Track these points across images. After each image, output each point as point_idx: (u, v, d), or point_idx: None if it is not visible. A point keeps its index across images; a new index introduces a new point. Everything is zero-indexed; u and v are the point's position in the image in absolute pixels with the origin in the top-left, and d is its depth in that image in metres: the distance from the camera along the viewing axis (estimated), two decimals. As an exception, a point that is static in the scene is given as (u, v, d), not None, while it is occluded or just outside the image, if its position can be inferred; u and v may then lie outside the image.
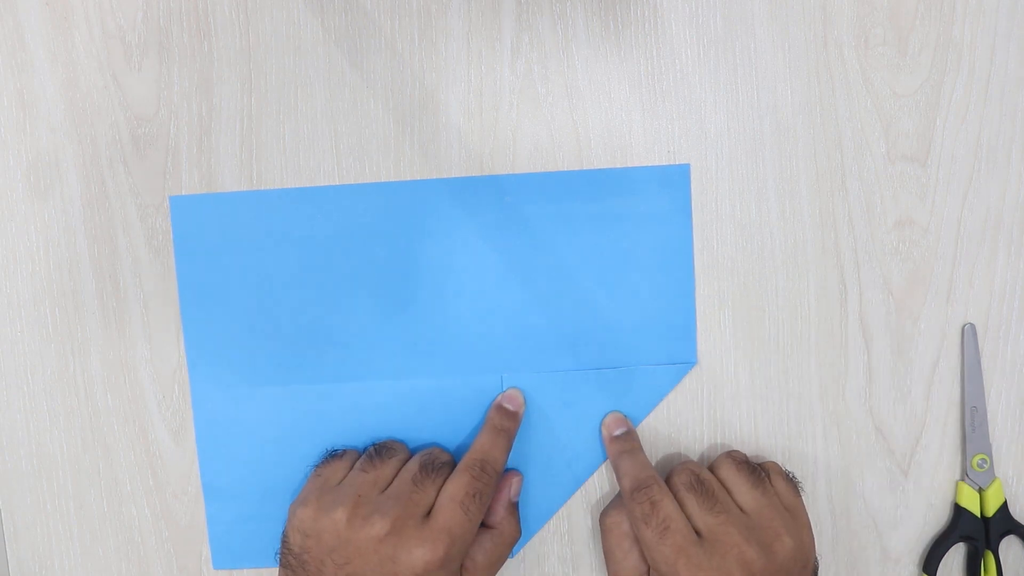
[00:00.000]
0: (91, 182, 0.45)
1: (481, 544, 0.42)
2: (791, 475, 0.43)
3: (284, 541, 0.41)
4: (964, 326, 0.45)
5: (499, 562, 0.42)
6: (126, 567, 0.47)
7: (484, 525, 0.43)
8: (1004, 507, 0.45)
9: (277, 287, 0.45)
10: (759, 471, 0.42)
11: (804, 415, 0.45)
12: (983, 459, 0.45)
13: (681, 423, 0.45)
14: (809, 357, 0.45)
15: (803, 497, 0.43)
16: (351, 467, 0.43)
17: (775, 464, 0.43)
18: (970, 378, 0.45)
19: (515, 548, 0.46)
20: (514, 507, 0.44)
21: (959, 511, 0.45)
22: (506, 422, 0.43)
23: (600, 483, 0.46)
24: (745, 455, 0.43)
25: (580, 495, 0.46)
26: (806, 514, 0.42)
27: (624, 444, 0.44)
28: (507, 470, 0.45)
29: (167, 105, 0.45)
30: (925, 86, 0.44)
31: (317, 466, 0.43)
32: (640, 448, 0.44)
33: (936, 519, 0.46)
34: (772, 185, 0.45)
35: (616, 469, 0.43)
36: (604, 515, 0.43)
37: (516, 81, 0.45)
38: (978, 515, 0.45)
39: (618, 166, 0.45)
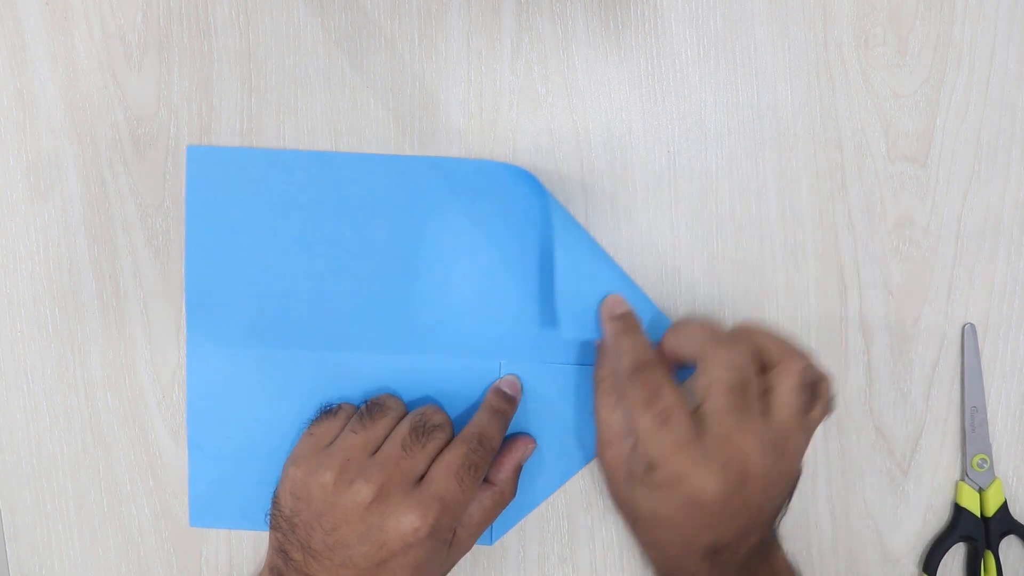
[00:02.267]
0: (91, 182, 0.45)
1: (481, 501, 0.42)
2: (831, 396, 0.40)
3: (275, 502, 0.40)
4: (964, 326, 0.45)
5: (490, 521, 0.42)
6: (126, 567, 0.47)
7: (487, 481, 0.42)
8: (1004, 507, 0.45)
9: (284, 249, 0.44)
10: (812, 397, 0.39)
11: (804, 415, 0.45)
12: (983, 459, 0.45)
13: (681, 423, 0.45)
14: (809, 357, 0.45)
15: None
16: (344, 426, 0.42)
17: (827, 386, 0.40)
18: (970, 378, 0.45)
19: (496, 536, 0.46)
20: (519, 470, 0.43)
21: (959, 511, 0.45)
22: (504, 404, 0.43)
23: (598, 484, 0.46)
24: (814, 374, 0.39)
25: (580, 496, 0.46)
26: (810, 437, 0.39)
27: (625, 323, 0.42)
28: (522, 433, 0.45)
29: (167, 105, 0.45)
30: (925, 86, 0.44)
31: (312, 423, 0.43)
32: (642, 330, 0.42)
33: (936, 519, 0.46)
34: (772, 185, 0.45)
35: (615, 348, 0.41)
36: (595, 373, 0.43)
37: (516, 81, 0.45)
38: (978, 515, 0.45)
39: (618, 166, 0.45)
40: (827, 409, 0.40)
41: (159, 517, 0.46)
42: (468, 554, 0.46)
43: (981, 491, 0.45)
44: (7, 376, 0.46)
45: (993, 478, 0.45)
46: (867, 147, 0.44)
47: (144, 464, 0.46)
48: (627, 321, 0.42)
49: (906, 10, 0.44)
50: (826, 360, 0.45)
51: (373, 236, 0.45)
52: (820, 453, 0.46)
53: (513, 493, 0.43)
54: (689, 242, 0.45)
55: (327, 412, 0.43)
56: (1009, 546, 0.46)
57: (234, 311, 0.45)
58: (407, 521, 0.38)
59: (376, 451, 0.40)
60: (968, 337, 0.45)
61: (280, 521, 0.40)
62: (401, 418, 0.42)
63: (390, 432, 0.41)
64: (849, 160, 0.45)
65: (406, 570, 0.38)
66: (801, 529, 0.46)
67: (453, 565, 0.42)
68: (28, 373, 0.46)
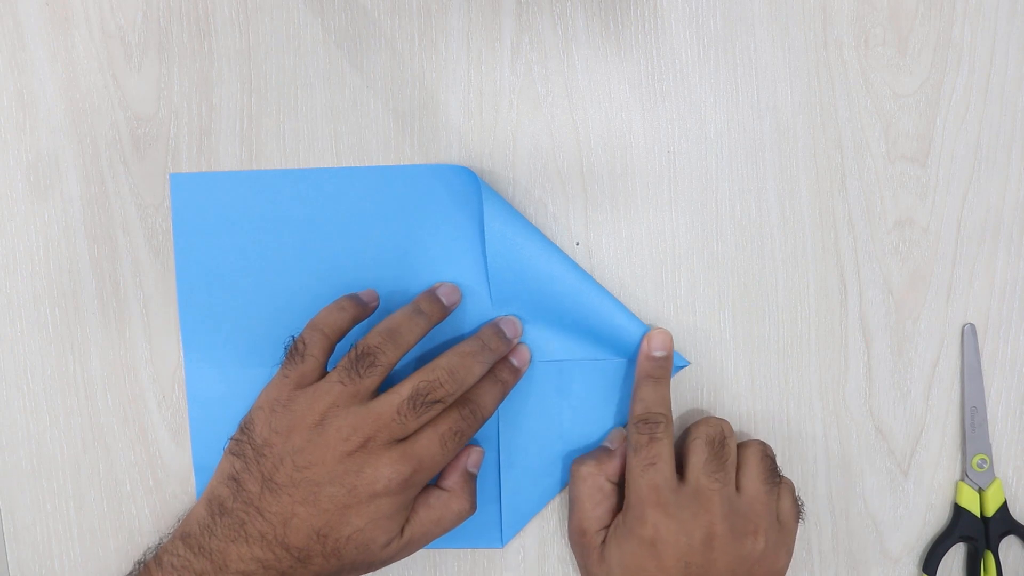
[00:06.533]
0: (91, 182, 0.45)
1: (427, 500, 0.41)
2: (801, 502, 0.43)
3: (246, 430, 0.40)
4: (964, 326, 0.45)
5: (440, 525, 0.41)
6: (126, 567, 0.47)
7: (437, 486, 0.42)
8: (1004, 507, 0.45)
9: (274, 268, 0.45)
10: (777, 475, 0.42)
11: (804, 415, 0.45)
12: (983, 459, 0.45)
13: (681, 423, 0.45)
14: (809, 357, 0.45)
15: (805, 505, 0.44)
16: (316, 371, 0.41)
17: (792, 484, 0.43)
18: (970, 378, 0.45)
19: (506, 538, 0.46)
20: (470, 478, 0.43)
21: (959, 511, 0.45)
22: (507, 376, 0.43)
23: (600, 483, 0.46)
24: (775, 456, 0.43)
25: (580, 495, 0.46)
26: (793, 541, 0.42)
27: (655, 369, 0.43)
28: (470, 444, 0.44)
29: (167, 105, 0.45)
30: (925, 86, 0.44)
31: (283, 365, 0.41)
32: (667, 379, 0.43)
33: (936, 519, 0.46)
34: (772, 185, 0.45)
35: (635, 389, 0.43)
36: (580, 462, 0.43)
37: (516, 81, 0.45)
38: (978, 515, 0.45)
39: (618, 166, 0.45)
40: (797, 505, 0.42)
41: (159, 517, 0.46)
42: (469, 554, 0.46)
43: (981, 491, 0.45)
44: (7, 376, 0.46)
45: (993, 478, 0.45)
46: (867, 147, 0.44)
47: (144, 464, 0.46)
48: (658, 368, 0.43)
49: (906, 10, 0.44)
50: (826, 360, 0.45)
51: (363, 247, 0.44)
52: (820, 453, 0.46)
53: (466, 502, 0.42)
54: (689, 242, 0.45)
55: (293, 353, 0.41)
56: (1009, 546, 0.46)
57: (229, 334, 0.45)
58: (384, 472, 0.38)
59: (368, 400, 0.40)
60: (968, 337, 0.45)
61: (247, 448, 0.40)
62: (390, 366, 0.40)
63: (379, 384, 0.40)
64: (849, 160, 0.45)
65: (364, 518, 0.39)
66: (801, 529, 0.46)
67: (395, 556, 0.41)
68: (28, 373, 0.46)
